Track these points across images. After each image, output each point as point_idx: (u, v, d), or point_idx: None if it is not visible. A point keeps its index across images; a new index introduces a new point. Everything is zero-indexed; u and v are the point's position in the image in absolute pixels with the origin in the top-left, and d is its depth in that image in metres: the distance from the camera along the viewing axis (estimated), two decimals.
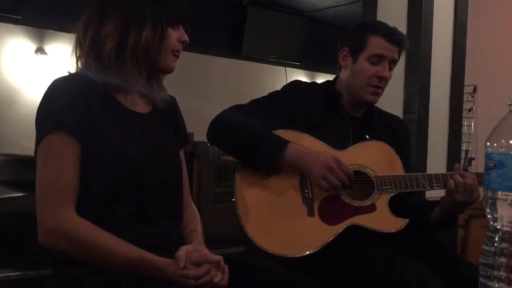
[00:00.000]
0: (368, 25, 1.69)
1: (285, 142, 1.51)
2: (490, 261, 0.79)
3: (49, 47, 4.76)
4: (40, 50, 4.72)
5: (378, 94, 1.65)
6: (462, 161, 2.52)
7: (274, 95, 1.68)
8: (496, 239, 0.80)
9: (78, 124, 1.14)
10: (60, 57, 4.67)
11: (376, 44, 1.61)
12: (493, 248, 0.79)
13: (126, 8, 1.19)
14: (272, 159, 1.50)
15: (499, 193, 0.80)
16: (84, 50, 1.21)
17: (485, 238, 0.81)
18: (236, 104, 1.64)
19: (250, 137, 1.53)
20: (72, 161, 1.14)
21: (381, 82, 1.62)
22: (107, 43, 1.18)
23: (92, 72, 1.19)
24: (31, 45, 4.70)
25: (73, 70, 1.24)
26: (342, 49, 1.69)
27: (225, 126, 1.58)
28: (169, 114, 1.36)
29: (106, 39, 1.18)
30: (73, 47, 1.23)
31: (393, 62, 1.64)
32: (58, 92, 1.17)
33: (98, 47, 1.19)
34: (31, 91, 4.61)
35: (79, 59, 1.23)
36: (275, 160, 1.50)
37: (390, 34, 1.61)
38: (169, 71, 1.28)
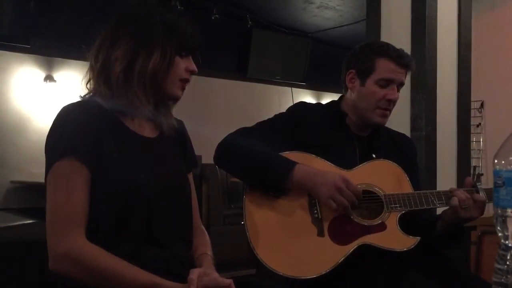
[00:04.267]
0: (375, 47, 1.68)
1: (293, 164, 1.51)
2: (502, 280, 0.78)
3: (57, 74, 4.83)
4: (49, 78, 4.79)
5: (386, 116, 1.65)
6: (471, 177, 2.50)
7: (279, 117, 1.69)
8: (508, 257, 0.79)
9: (87, 150, 1.15)
10: (69, 85, 4.74)
11: (385, 67, 1.61)
12: (505, 266, 0.78)
13: (137, 33, 1.22)
14: (280, 181, 1.50)
15: (509, 210, 0.79)
16: (94, 73, 1.23)
17: (497, 256, 0.80)
18: (242, 127, 1.65)
19: (257, 160, 1.53)
20: (82, 186, 1.15)
21: (390, 104, 1.63)
22: (115, 67, 1.20)
23: (101, 97, 1.21)
24: (40, 73, 4.78)
25: (83, 94, 1.26)
26: (349, 71, 1.69)
27: (231, 150, 1.59)
28: (177, 138, 1.37)
29: (115, 63, 1.20)
30: (86, 71, 1.26)
31: (400, 85, 1.65)
32: (67, 118, 1.19)
33: (107, 71, 1.21)
34: (41, 118, 4.67)
35: (90, 82, 1.25)
36: (283, 182, 1.50)
37: (398, 57, 1.62)
38: (174, 98, 1.29)
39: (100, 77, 1.21)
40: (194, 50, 1.29)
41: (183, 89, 1.28)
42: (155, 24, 1.23)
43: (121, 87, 1.20)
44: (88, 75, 1.25)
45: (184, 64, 1.26)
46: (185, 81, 1.28)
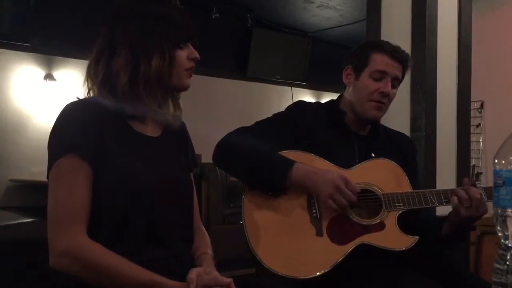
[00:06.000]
0: (371, 43, 1.72)
1: (291, 163, 1.51)
2: (502, 280, 0.78)
3: (57, 73, 4.83)
4: (49, 76, 4.79)
5: (381, 109, 1.64)
6: (470, 176, 2.50)
7: (278, 116, 1.69)
8: (508, 257, 0.79)
9: (90, 148, 1.16)
10: (69, 83, 4.73)
11: (379, 60, 1.62)
12: (505, 266, 0.79)
13: (132, 41, 1.21)
14: (279, 180, 1.50)
15: (509, 210, 0.79)
16: (97, 84, 1.23)
17: (497, 256, 0.80)
18: (240, 126, 1.65)
19: (256, 159, 1.54)
20: (84, 184, 1.15)
21: (384, 98, 1.63)
22: (120, 78, 1.19)
23: (106, 100, 1.21)
24: (40, 72, 4.77)
25: (82, 97, 1.26)
26: (346, 67, 1.70)
27: (230, 149, 1.59)
28: (179, 138, 1.37)
29: (118, 74, 1.20)
30: (84, 80, 1.25)
31: (396, 80, 1.64)
32: (70, 116, 1.19)
33: (111, 82, 1.21)
34: (41, 117, 4.66)
35: (91, 90, 1.25)
36: (281, 181, 1.50)
37: (392, 51, 1.63)
38: (184, 88, 1.29)
39: (104, 88, 1.21)
40: (191, 38, 1.28)
41: (190, 76, 1.28)
42: (148, 23, 1.22)
43: (128, 95, 1.21)
44: (87, 84, 1.25)
45: (185, 54, 1.26)
46: (191, 69, 1.28)
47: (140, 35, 1.22)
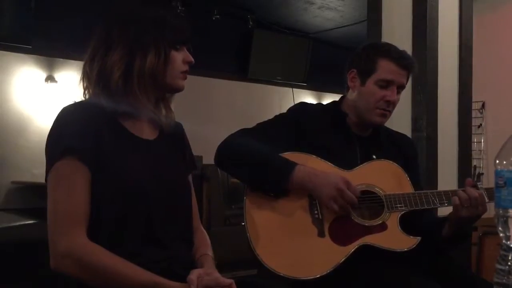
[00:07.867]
0: (377, 47, 1.68)
1: (293, 164, 1.51)
2: (504, 280, 0.78)
3: (58, 75, 4.83)
4: (50, 78, 4.79)
5: (385, 116, 1.64)
6: (471, 177, 2.49)
7: (280, 117, 1.69)
8: (510, 258, 0.79)
9: (88, 150, 1.16)
10: (70, 85, 4.74)
11: (386, 68, 1.60)
12: (507, 267, 0.79)
13: (129, 37, 1.22)
14: (280, 181, 1.50)
15: (511, 211, 0.79)
16: (91, 81, 1.23)
17: (498, 257, 0.80)
18: (242, 128, 1.65)
19: (258, 161, 1.54)
20: (83, 186, 1.16)
21: (389, 106, 1.62)
22: (114, 72, 1.20)
23: (101, 100, 1.21)
24: (41, 74, 4.78)
25: (80, 99, 1.26)
26: (350, 70, 1.68)
27: (232, 151, 1.59)
28: (176, 140, 1.38)
29: (112, 69, 1.20)
30: (80, 79, 1.26)
31: (401, 87, 1.64)
32: (67, 119, 1.19)
33: (105, 77, 1.21)
34: (42, 118, 4.67)
35: (87, 89, 1.25)
36: (283, 183, 1.50)
37: (400, 58, 1.61)
38: (178, 89, 1.30)
39: (98, 85, 1.22)
40: (187, 41, 1.29)
41: (184, 79, 1.29)
42: (145, 23, 1.24)
43: (121, 91, 1.21)
44: (83, 82, 1.25)
45: (181, 56, 1.27)
46: (185, 72, 1.29)
47: (137, 34, 1.22)
